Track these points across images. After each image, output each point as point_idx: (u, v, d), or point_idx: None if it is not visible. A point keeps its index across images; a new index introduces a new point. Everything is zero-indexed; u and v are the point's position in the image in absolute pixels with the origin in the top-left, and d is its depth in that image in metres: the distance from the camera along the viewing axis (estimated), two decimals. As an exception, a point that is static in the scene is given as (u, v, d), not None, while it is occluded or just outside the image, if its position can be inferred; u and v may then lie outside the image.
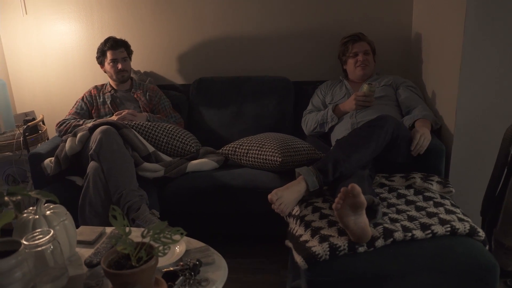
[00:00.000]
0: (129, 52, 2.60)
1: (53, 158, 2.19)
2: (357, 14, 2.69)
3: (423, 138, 1.92)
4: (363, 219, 1.39)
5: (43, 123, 2.79)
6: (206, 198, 2.15)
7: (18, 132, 2.47)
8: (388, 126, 1.81)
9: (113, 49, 2.49)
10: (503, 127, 1.79)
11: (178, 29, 2.83)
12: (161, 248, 1.13)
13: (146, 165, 2.15)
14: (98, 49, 2.55)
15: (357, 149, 1.77)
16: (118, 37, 2.58)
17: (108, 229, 1.61)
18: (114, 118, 2.39)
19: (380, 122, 1.82)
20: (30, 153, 2.22)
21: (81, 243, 1.52)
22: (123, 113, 2.38)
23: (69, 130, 2.38)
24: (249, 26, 2.78)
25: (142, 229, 1.27)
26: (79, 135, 2.17)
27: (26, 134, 2.45)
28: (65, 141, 2.21)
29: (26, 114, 2.88)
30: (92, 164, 2.05)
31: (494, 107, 1.95)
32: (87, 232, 1.59)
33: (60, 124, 2.44)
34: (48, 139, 2.71)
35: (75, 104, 2.58)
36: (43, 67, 2.98)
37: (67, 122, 2.44)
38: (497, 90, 1.93)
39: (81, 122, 2.43)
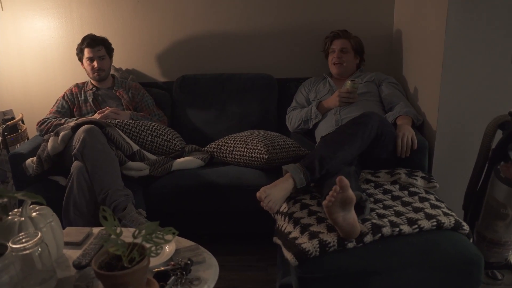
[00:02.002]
0: (109, 51, 2.55)
1: (34, 158, 2.15)
2: (339, 12, 2.71)
3: (405, 138, 1.96)
4: (352, 215, 1.41)
5: (23, 122, 2.72)
6: (192, 197, 2.15)
7: (-3, 131, 2.41)
8: (373, 123, 1.84)
9: (90, 47, 2.45)
10: (485, 123, 1.83)
11: (159, 26, 2.80)
12: (153, 248, 1.12)
13: (131, 164, 2.13)
14: (77, 46, 2.51)
15: (342, 146, 1.78)
16: (98, 34, 2.53)
17: (95, 230, 1.59)
18: (96, 116, 2.35)
19: (365, 119, 1.84)
20: (11, 153, 2.17)
21: (68, 244, 1.49)
22: (106, 112, 2.35)
23: (50, 129, 2.33)
24: (232, 23, 2.77)
25: (133, 229, 1.26)
26: (61, 134, 2.13)
27: (6, 133, 2.39)
28: (47, 141, 2.17)
29: (4, 113, 2.81)
30: (75, 164, 2.02)
31: (476, 103, 1.99)
32: (74, 233, 1.57)
33: (41, 123, 2.39)
34: (28, 138, 2.65)
35: (56, 102, 2.53)
36: (21, 64, 2.90)
37: (48, 121, 2.39)
38: (478, 86, 1.97)
39: (62, 121, 2.38)
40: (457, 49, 1.92)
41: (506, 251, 1.82)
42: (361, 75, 2.52)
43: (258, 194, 1.64)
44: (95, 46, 2.46)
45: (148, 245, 1.11)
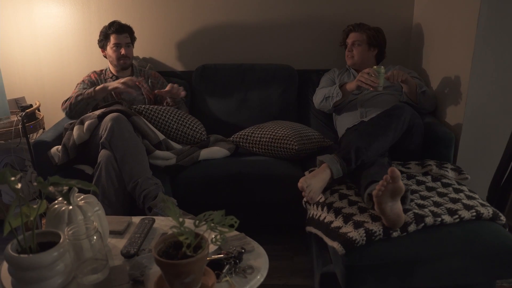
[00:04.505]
0: (133, 39, 2.52)
1: (59, 147, 2.13)
2: (359, 4, 2.72)
3: (397, 72, 2.15)
4: (398, 205, 1.44)
5: (38, 110, 2.68)
6: (219, 187, 2.15)
7: (16, 119, 2.36)
8: (406, 116, 1.87)
9: (118, 33, 2.41)
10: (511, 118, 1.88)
11: (178, 14, 2.77)
12: (218, 237, 1.13)
13: (158, 153, 2.12)
14: (101, 32, 2.46)
15: (377, 137, 1.81)
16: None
17: (135, 219, 1.58)
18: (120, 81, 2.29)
19: (398, 111, 1.87)
20: (35, 141, 2.13)
21: (111, 233, 1.48)
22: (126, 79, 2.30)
23: (73, 103, 2.31)
24: (252, 13, 2.75)
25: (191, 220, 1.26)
26: (86, 123, 2.10)
27: (25, 121, 2.34)
28: (71, 130, 2.15)
29: (16, 100, 2.76)
30: (103, 153, 2.00)
31: (504, 98, 2.02)
32: (115, 222, 1.56)
33: (64, 103, 2.36)
34: (44, 128, 2.61)
35: (77, 86, 2.46)
36: (34, 51, 2.85)
37: (69, 97, 2.35)
38: (508, 81, 1.99)
39: (83, 91, 2.34)
40: (488, 43, 1.94)
41: (529, 241, 1.87)
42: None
43: (300, 184, 1.66)
44: (122, 32, 2.43)
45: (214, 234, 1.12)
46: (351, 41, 2.52)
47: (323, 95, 2.43)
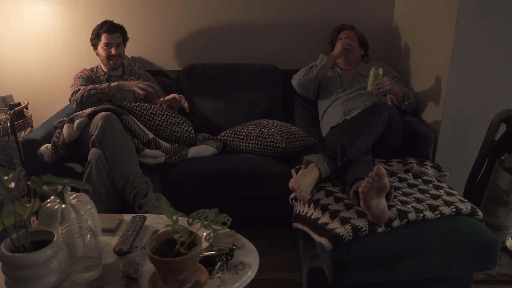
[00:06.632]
0: (125, 39, 2.53)
1: (49, 145, 2.13)
2: (341, 5, 2.78)
3: (388, 82, 2.13)
4: (383, 201, 1.50)
5: (26, 109, 2.67)
6: (208, 184, 2.18)
7: (4, 117, 2.36)
8: (385, 112, 1.93)
9: (109, 33, 2.42)
10: (489, 116, 1.95)
11: (166, 13, 2.79)
12: (211, 234, 1.17)
13: (147, 151, 2.14)
14: (93, 30, 2.46)
15: (360, 135, 1.87)
16: (104, 20, 2.50)
17: (126, 216, 1.61)
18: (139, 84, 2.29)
19: (378, 108, 1.93)
20: (24, 139, 2.13)
21: (102, 231, 1.51)
22: (143, 85, 2.29)
23: (85, 95, 2.28)
24: (239, 14, 2.79)
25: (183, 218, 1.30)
26: (77, 121, 2.12)
27: (13, 119, 2.34)
28: (61, 128, 2.16)
29: (3, 98, 2.75)
30: (94, 151, 2.02)
31: (481, 98, 2.08)
32: (106, 219, 1.58)
33: (73, 94, 2.32)
34: (32, 126, 2.61)
35: (75, 79, 2.42)
36: (22, 49, 2.84)
37: (81, 88, 2.32)
38: (485, 81, 2.06)
39: (97, 86, 2.31)
40: (466, 44, 2.00)
41: (505, 235, 1.96)
42: (366, 66, 2.60)
43: (291, 185, 1.72)
44: (113, 32, 2.43)
45: (207, 231, 1.16)
46: (345, 36, 2.58)
47: (305, 69, 2.49)
